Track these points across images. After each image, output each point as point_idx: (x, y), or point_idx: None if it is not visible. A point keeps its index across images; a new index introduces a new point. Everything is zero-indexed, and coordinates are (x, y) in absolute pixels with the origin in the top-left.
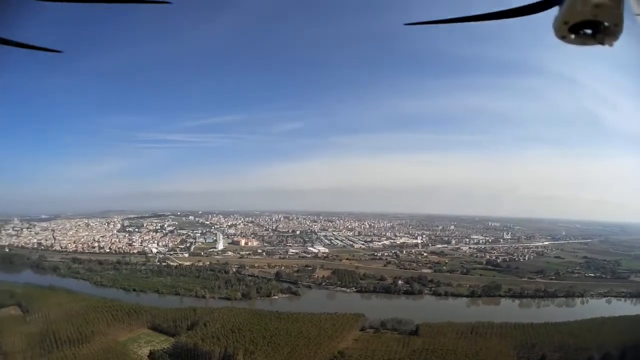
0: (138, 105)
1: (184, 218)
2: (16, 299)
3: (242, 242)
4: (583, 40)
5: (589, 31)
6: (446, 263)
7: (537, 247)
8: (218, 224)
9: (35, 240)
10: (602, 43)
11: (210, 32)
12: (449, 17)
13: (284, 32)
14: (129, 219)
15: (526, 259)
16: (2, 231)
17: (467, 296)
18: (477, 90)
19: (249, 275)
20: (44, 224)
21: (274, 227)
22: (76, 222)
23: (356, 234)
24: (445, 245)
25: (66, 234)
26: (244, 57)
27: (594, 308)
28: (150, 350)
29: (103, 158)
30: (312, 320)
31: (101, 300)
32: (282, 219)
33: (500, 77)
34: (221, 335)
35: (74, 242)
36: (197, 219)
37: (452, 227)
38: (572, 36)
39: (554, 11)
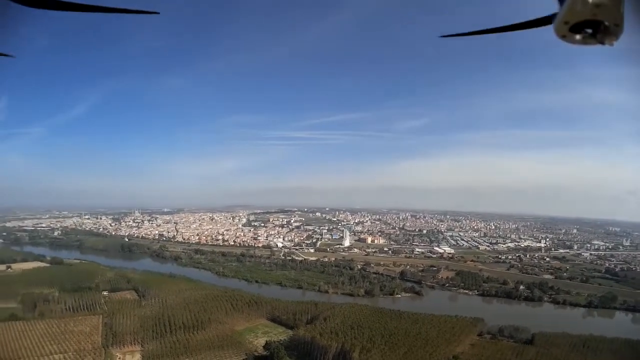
0: (260, 105)
1: (310, 214)
2: (133, 284)
3: (369, 239)
4: (584, 40)
5: (589, 31)
6: (567, 269)
7: None
8: (345, 220)
9: (156, 232)
10: (602, 43)
11: (331, 30)
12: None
13: (402, 29)
14: (255, 213)
15: None
16: (123, 222)
17: (584, 306)
18: (593, 82)
19: (374, 273)
20: (167, 217)
21: (400, 226)
22: (200, 216)
23: (482, 235)
24: (567, 250)
25: (189, 226)
26: (365, 55)
27: None
28: (266, 341)
29: (227, 155)
30: (432, 322)
31: (222, 290)
32: (409, 217)
33: (618, 68)
34: (340, 331)
35: (197, 235)
36: (323, 215)
37: (575, 230)
38: (574, 36)
39: None
